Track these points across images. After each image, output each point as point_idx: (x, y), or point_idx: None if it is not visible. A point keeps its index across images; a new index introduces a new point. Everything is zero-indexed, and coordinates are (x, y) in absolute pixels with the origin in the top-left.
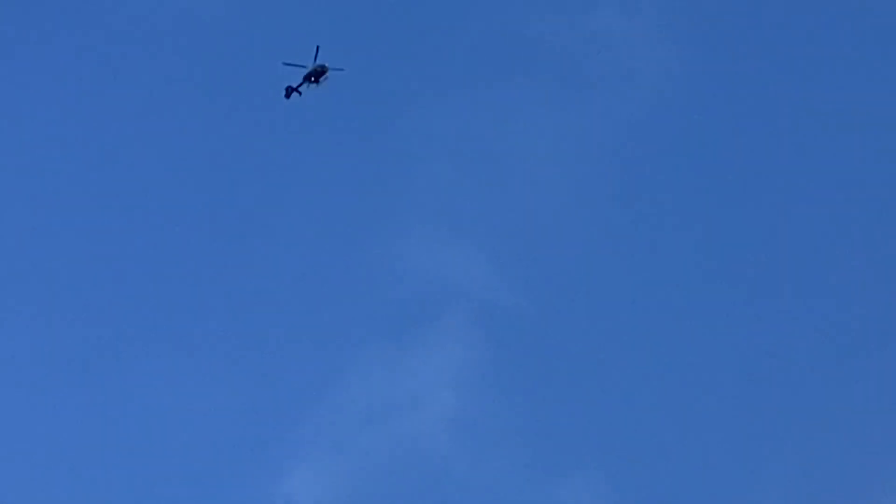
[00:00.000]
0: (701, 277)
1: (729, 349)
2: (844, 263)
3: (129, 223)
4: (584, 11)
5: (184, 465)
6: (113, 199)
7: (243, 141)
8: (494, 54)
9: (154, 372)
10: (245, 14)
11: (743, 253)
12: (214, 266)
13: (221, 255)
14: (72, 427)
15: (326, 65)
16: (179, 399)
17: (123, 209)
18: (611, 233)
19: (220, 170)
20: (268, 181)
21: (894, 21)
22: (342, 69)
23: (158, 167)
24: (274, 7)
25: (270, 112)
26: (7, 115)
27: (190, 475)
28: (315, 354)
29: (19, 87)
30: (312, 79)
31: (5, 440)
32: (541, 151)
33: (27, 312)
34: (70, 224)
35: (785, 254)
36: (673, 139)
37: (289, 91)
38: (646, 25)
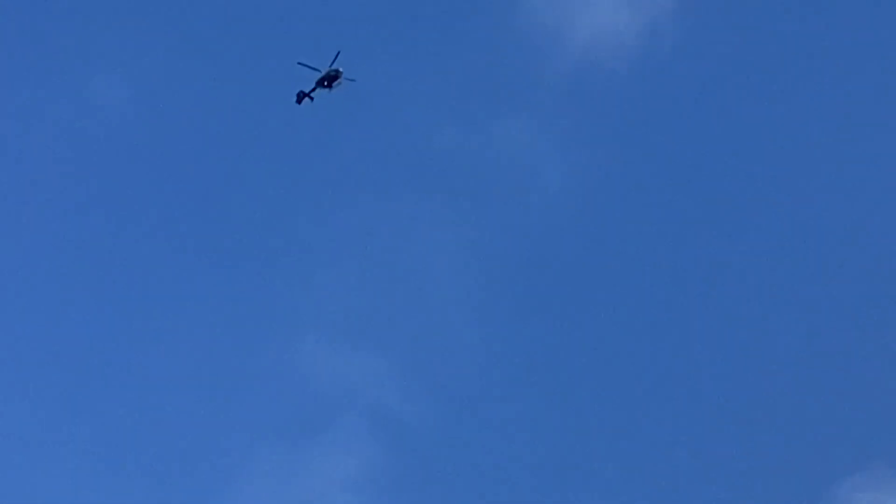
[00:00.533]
0: (592, 385)
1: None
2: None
3: None
4: (492, 122)
5: None
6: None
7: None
8: (395, 165)
9: (47, 475)
10: None
11: (634, 359)
12: (112, 364)
13: (118, 354)
14: None
15: (341, 69)
16: None
17: None
18: (505, 342)
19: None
20: (167, 286)
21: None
22: (353, 80)
23: None
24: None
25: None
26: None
27: None
28: (209, 457)
29: None
30: (325, 83)
31: None
32: (439, 261)
33: None
34: None
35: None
36: (567, 251)
37: (300, 96)
38: (552, 140)
